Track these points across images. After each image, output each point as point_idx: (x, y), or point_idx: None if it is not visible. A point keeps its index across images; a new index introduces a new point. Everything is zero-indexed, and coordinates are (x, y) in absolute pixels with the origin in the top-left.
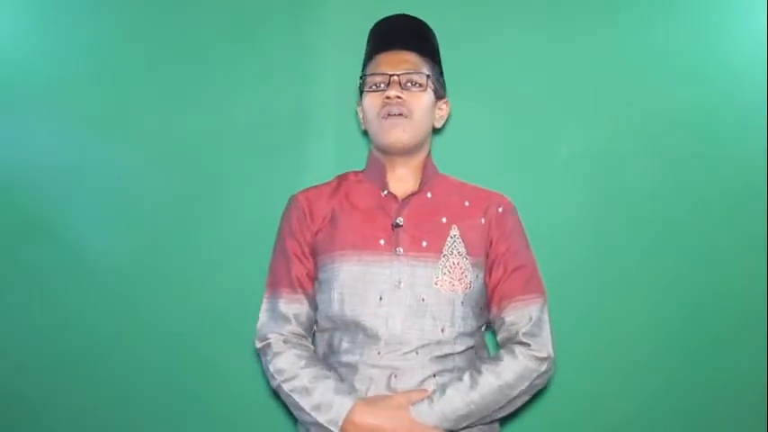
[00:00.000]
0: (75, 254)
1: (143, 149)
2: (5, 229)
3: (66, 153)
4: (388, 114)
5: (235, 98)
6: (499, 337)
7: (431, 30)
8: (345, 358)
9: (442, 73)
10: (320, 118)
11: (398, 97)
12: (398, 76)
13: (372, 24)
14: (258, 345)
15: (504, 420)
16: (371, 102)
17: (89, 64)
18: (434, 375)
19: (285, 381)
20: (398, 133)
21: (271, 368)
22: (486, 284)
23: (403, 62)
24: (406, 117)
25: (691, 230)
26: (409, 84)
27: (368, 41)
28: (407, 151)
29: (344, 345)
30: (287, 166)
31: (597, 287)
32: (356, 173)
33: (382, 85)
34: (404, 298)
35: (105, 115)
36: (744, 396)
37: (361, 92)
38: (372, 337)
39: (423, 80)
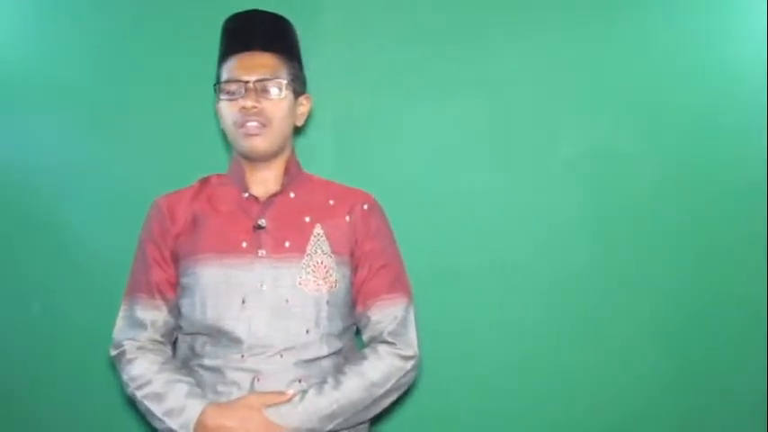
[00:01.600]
0: (74, 254)
1: (143, 149)
2: (5, 230)
3: (66, 153)
4: (246, 123)
5: None
6: (365, 337)
7: (288, 23)
8: (209, 362)
9: (302, 68)
10: (320, 118)
11: (254, 107)
12: (254, 83)
13: (227, 19)
14: (113, 352)
15: (505, 422)
16: (228, 110)
17: (89, 64)
18: (300, 381)
19: (138, 387)
20: (257, 142)
21: (124, 376)
22: (351, 283)
23: (259, 66)
24: (265, 126)
25: (691, 230)
26: (265, 90)
27: (221, 40)
28: (267, 157)
29: (208, 348)
30: None
31: (597, 287)
32: (219, 176)
33: (239, 92)
34: (267, 300)
35: (105, 115)
36: (744, 396)
37: (218, 95)
38: (235, 341)
39: (280, 85)
